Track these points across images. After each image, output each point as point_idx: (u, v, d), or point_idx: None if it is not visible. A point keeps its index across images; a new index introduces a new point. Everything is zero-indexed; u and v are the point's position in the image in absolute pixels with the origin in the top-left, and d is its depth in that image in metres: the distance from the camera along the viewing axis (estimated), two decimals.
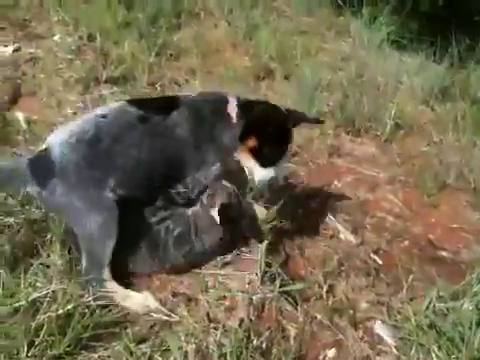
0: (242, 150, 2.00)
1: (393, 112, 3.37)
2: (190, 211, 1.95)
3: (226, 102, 2.02)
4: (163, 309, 1.72)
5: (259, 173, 2.00)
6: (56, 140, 1.83)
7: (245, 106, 2.01)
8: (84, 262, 1.74)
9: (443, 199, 2.82)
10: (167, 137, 1.92)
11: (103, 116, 1.88)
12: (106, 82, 2.97)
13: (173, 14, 4.08)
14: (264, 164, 1.99)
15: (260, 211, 2.14)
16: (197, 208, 1.95)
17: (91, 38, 3.41)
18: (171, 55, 3.54)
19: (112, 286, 1.73)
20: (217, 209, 1.88)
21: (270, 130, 1.97)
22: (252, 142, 1.97)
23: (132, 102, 1.97)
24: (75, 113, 2.69)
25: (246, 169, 2.01)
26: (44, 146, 1.86)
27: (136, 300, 1.72)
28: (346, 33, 4.88)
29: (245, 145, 1.98)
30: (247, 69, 3.69)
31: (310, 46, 4.29)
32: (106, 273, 1.73)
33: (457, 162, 3.07)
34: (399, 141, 3.34)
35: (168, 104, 2.00)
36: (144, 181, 1.88)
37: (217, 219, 1.88)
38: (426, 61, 4.38)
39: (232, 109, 2.00)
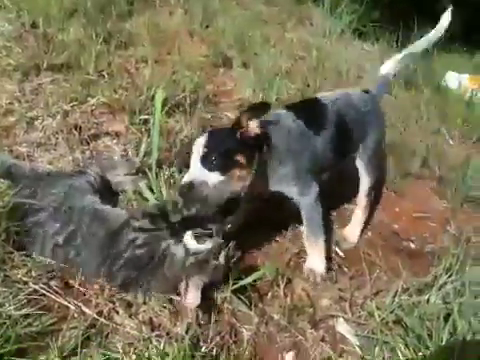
0: None
1: None
2: (169, 244, 1.64)
3: None
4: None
5: None
6: None
7: None
8: None
9: (407, 188, 2.70)
10: None
11: None
12: (47, 70, 2.73)
13: (125, 1, 3.84)
14: None
15: None
16: (176, 251, 1.62)
17: (34, 25, 3.15)
18: (121, 42, 3.29)
19: None
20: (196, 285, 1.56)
21: None
22: None
23: None
24: (11, 103, 2.46)
25: None
26: None
27: None
28: (307, 22, 4.76)
29: None
30: (203, 57, 3.50)
31: (270, 34, 4.13)
32: None
33: (421, 150, 2.96)
34: None
35: None
36: None
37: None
38: (388, 49, 4.30)
39: None
